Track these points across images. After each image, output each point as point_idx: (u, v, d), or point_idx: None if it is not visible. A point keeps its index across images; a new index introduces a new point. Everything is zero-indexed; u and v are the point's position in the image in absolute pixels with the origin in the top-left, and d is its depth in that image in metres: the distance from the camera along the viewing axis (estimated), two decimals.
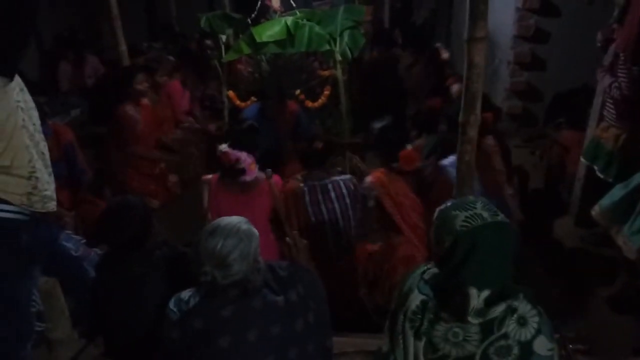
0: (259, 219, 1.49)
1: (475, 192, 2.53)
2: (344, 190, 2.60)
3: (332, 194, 2.58)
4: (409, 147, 2.73)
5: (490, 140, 2.83)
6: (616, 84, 2.53)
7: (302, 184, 2.59)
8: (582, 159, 2.97)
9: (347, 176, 2.70)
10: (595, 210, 2.38)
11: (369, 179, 2.60)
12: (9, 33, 1.58)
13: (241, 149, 2.45)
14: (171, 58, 4.74)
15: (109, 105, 3.87)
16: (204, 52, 5.36)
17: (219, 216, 2.10)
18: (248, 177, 2.47)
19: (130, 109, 3.74)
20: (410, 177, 2.65)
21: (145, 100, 3.90)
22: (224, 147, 2.44)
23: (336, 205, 2.59)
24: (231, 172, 2.46)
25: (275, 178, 2.61)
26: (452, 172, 2.45)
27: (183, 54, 4.96)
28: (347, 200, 2.60)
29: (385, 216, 2.56)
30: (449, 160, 2.66)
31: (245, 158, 2.44)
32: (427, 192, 2.70)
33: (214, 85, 5.14)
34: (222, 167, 2.50)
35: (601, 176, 2.74)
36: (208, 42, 5.39)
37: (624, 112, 2.60)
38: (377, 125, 2.69)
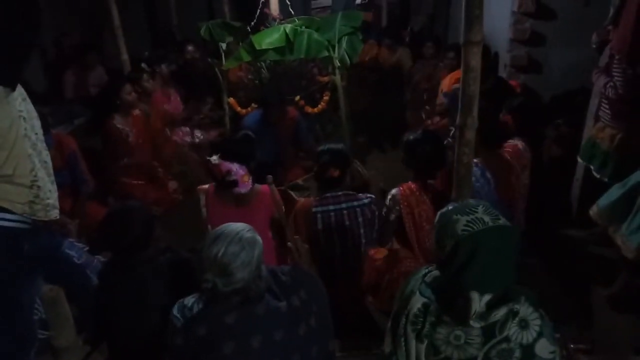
0: (258, 230, 1.48)
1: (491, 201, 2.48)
2: (360, 219, 2.44)
3: (347, 223, 2.43)
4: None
5: (512, 150, 2.72)
6: (611, 84, 2.55)
7: (315, 207, 2.44)
8: (579, 159, 2.99)
9: (367, 200, 2.47)
10: (594, 210, 2.39)
11: (395, 191, 2.45)
12: (11, 43, 1.61)
13: (233, 160, 2.35)
14: (164, 67, 4.75)
15: (99, 118, 3.88)
16: (191, 61, 5.34)
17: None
18: (242, 190, 2.38)
19: (117, 122, 3.71)
20: (440, 195, 2.44)
21: (136, 111, 3.88)
22: (214, 158, 2.33)
23: (348, 233, 2.45)
24: (223, 183, 2.37)
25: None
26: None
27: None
28: (361, 230, 2.45)
29: (402, 232, 2.46)
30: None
31: (236, 170, 2.34)
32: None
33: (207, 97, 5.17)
34: (214, 179, 2.42)
35: (597, 176, 2.76)
36: (190, 47, 5.36)
37: (619, 112, 2.62)
38: (409, 137, 2.52)
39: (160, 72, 4.66)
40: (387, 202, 2.48)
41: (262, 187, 2.47)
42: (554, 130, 3.48)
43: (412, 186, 2.46)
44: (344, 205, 2.44)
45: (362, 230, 2.46)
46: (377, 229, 2.52)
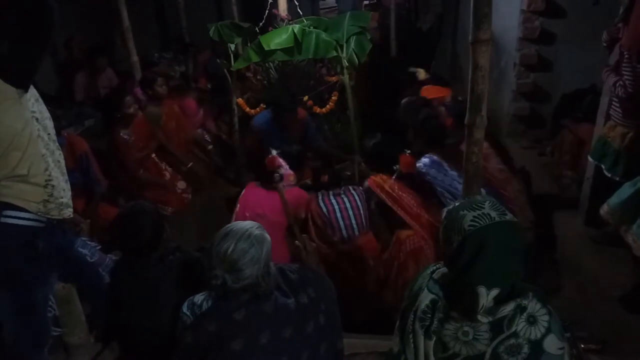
0: (274, 226, 1.56)
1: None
2: (358, 202, 2.80)
3: (346, 200, 2.79)
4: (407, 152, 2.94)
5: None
6: (621, 83, 2.54)
7: (315, 193, 2.87)
8: (589, 158, 2.97)
9: (357, 188, 2.90)
10: (604, 209, 2.38)
11: (365, 183, 2.81)
12: (25, 44, 1.64)
13: (287, 162, 2.83)
14: (177, 68, 4.80)
15: (108, 121, 3.91)
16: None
17: (246, 208, 2.58)
18: (286, 183, 2.78)
19: (122, 131, 3.69)
20: (406, 180, 2.81)
21: (138, 117, 3.81)
22: (274, 151, 2.85)
23: (349, 212, 2.78)
24: (270, 175, 2.76)
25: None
26: (429, 172, 2.71)
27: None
28: (361, 211, 2.80)
29: (389, 213, 2.68)
30: (422, 161, 2.78)
31: (287, 169, 2.83)
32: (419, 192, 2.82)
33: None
34: (261, 169, 2.85)
35: (608, 175, 2.74)
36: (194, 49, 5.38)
37: (630, 111, 2.60)
38: (370, 142, 3.09)
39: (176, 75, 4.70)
40: (364, 194, 2.82)
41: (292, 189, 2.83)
42: (572, 122, 3.50)
43: (380, 175, 2.80)
44: (342, 190, 2.86)
45: (361, 211, 2.78)
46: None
